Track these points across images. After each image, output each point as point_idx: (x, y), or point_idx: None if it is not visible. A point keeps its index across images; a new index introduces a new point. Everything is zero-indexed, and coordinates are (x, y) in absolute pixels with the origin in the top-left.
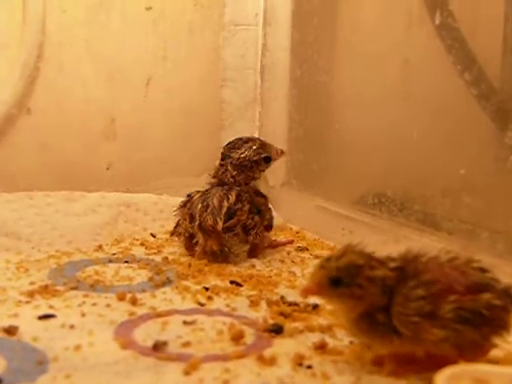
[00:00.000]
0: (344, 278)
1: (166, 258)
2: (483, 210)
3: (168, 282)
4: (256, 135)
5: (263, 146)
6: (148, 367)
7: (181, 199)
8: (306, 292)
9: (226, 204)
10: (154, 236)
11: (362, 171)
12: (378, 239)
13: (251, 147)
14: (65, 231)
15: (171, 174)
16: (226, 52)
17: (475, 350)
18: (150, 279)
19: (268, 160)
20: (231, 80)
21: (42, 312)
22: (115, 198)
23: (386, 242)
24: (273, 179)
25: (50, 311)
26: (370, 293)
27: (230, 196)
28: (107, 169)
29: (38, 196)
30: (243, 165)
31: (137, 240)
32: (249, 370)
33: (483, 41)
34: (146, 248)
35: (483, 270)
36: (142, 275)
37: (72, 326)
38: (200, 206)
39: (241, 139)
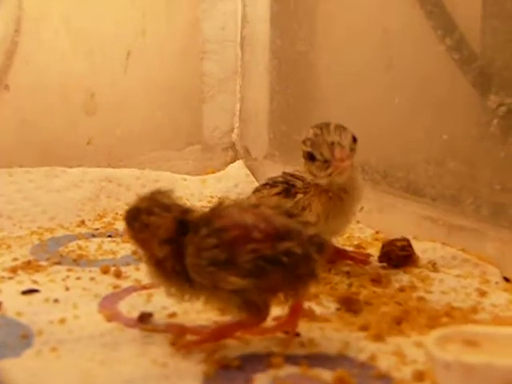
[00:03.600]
0: (127, 220)
1: None
2: (467, 175)
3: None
4: (237, 107)
5: (313, 138)
6: (134, 339)
7: (163, 173)
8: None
9: None
10: None
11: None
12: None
13: (308, 133)
14: (47, 207)
15: (153, 148)
16: (205, 24)
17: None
18: (134, 252)
19: (312, 158)
20: (211, 52)
21: (25, 287)
22: (97, 174)
23: (370, 210)
24: (255, 151)
25: (34, 286)
26: (146, 238)
27: None
28: (88, 144)
29: (19, 172)
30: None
31: (119, 215)
32: (235, 338)
33: (463, 6)
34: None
35: (291, 215)
36: (125, 249)
37: (56, 300)
38: None
39: (318, 124)
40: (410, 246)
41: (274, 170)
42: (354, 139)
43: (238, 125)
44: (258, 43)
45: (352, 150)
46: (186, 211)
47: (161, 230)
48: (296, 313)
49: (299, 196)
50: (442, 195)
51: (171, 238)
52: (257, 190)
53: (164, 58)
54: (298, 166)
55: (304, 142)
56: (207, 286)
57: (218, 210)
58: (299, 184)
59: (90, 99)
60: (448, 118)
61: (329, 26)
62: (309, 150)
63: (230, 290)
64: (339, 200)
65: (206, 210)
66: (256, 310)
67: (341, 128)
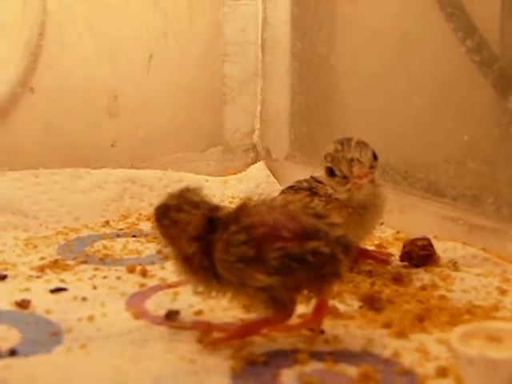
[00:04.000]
0: (156, 216)
1: None
2: (487, 175)
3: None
4: (258, 109)
5: (333, 153)
6: (162, 336)
7: (185, 174)
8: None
9: None
10: None
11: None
12: None
13: (329, 148)
14: (72, 208)
15: (175, 149)
16: (226, 27)
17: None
18: (159, 252)
19: (332, 173)
20: (233, 55)
21: (53, 286)
22: (120, 175)
23: (391, 211)
24: (276, 152)
25: (62, 285)
26: (175, 235)
27: None
28: (112, 146)
29: (44, 174)
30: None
31: (143, 215)
32: (261, 335)
33: (482, 7)
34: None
35: (319, 216)
36: (150, 248)
37: (84, 299)
38: None
39: (340, 139)
40: (430, 245)
41: (295, 171)
42: (375, 156)
43: (258, 126)
44: (279, 45)
45: (372, 167)
46: (215, 208)
47: (190, 226)
48: (321, 310)
49: (320, 205)
50: (462, 195)
51: (200, 235)
52: (282, 193)
53: (186, 61)
54: (319, 168)
55: (325, 157)
56: (234, 283)
57: (246, 208)
58: (322, 192)
59: (113, 102)
60: (468, 118)
61: (349, 29)
62: (329, 165)
63: (257, 287)
64: (358, 216)
65: (234, 207)
66: (282, 307)
67: (362, 144)
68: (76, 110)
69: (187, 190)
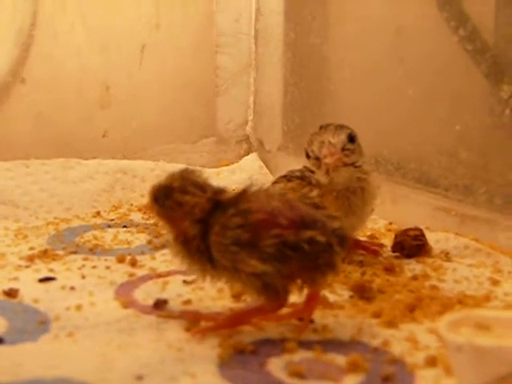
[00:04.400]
0: (158, 197)
1: None
2: (480, 165)
3: (167, 244)
4: (251, 100)
5: (312, 136)
6: (150, 325)
7: (178, 165)
8: (145, 208)
9: None
10: None
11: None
12: None
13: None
14: (62, 198)
15: (167, 141)
16: (219, 17)
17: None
18: (149, 242)
19: (307, 154)
20: (225, 46)
21: (42, 275)
22: (112, 165)
23: (384, 202)
24: (269, 143)
25: (50, 274)
26: (177, 217)
27: None
28: (103, 136)
29: (35, 164)
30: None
31: (134, 206)
32: (250, 324)
33: None
34: (144, 213)
35: (317, 207)
36: (140, 239)
37: (72, 288)
38: None
39: (324, 124)
40: (422, 235)
41: (288, 162)
42: (352, 139)
43: (251, 117)
44: (272, 36)
45: (346, 149)
46: (219, 191)
47: (196, 209)
48: (313, 301)
49: (314, 193)
50: (454, 185)
51: (203, 218)
52: (275, 182)
53: (178, 52)
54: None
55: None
56: (228, 268)
57: (246, 194)
58: (314, 180)
59: (105, 92)
60: (461, 108)
61: (342, 19)
62: (305, 147)
63: (250, 273)
64: (346, 200)
65: (235, 192)
66: (275, 295)
67: (339, 128)
68: (67, 100)
69: (189, 171)
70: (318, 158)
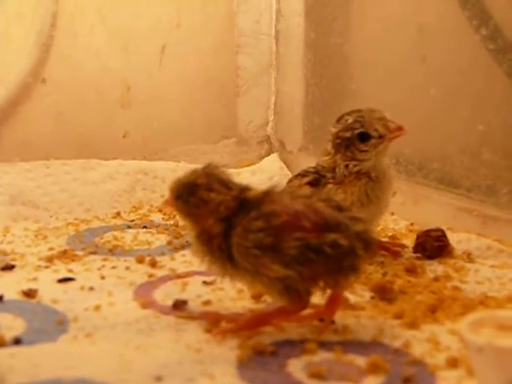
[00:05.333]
0: (182, 194)
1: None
2: (502, 165)
3: (187, 245)
4: (272, 101)
5: (361, 119)
6: (169, 325)
7: (198, 166)
8: (165, 204)
9: None
10: None
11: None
12: (396, 200)
13: (347, 120)
14: (83, 199)
15: (188, 141)
16: (240, 18)
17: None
18: (169, 243)
19: (365, 137)
20: (246, 46)
21: (61, 276)
22: (133, 166)
23: (405, 202)
24: (290, 144)
25: (70, 275)
26: (201, 214)
27: None
28: (124, 137)
29: (55, 165)
30: (337, 143)
31: (155, 207)
32: (271, 326)
33: None
34: (165, 214)
35: (341, 209)
36: (160, 239)
37: (91, 288)
38: None
39: (348, 112)
40: (444, 236)
41: (309, 163)
42: None
43: (272, 118)
44: (293, 36)
45: None
46: (245, 189)
47: (221, 207)
48: (335, 303)
49: (329, 186)
50: (477, 186)
51: (227, 216)
52: (290, 181)
53: (199, 52)
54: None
55: (346, 130)
56: (249, 270)
57: (270, 195)
58: (329, 175)
59: (125, 93)
60: (483, 108)
61: (363, 18)
62: (360, 130)
63: (273, 277)
64: (375, 186)
65: (260, 192)
66: (297, 298)
67: (374, 109)
68: (88, 101)
69: (212, 167)
70: (381, 136)
